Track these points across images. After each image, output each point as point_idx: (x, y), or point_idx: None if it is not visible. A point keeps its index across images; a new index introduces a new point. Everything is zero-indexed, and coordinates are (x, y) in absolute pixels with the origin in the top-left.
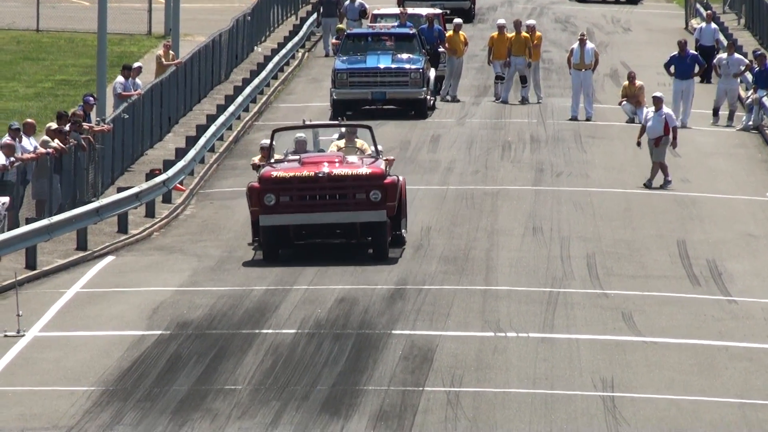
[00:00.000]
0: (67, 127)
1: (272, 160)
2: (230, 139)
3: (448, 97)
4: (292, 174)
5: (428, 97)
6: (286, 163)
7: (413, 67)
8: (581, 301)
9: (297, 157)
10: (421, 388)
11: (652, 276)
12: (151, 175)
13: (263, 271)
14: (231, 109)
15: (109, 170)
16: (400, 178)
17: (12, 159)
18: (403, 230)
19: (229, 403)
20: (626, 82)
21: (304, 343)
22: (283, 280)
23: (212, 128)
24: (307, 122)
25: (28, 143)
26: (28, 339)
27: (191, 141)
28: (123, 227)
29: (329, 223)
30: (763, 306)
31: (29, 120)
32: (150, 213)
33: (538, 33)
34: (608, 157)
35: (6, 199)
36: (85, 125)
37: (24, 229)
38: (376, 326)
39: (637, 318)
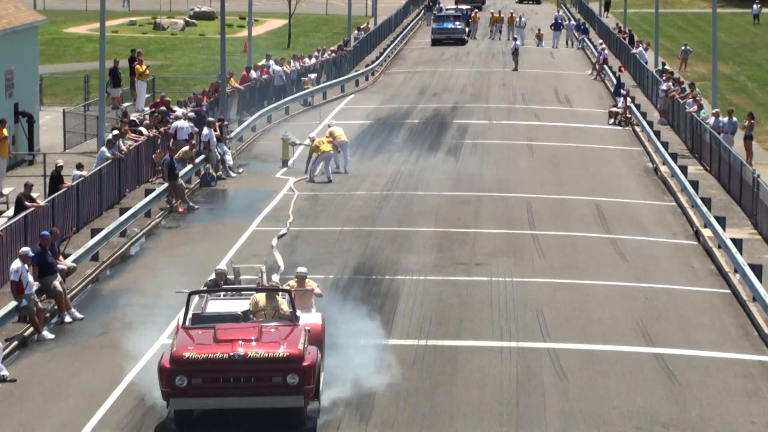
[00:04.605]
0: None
1: (186, 321)
2: (395, 52)
3: (472, 38)
4: (205, 355)
5: (466, 37)
6: (199, 332)
7: (460, 27)
8: (535, 108)
9: (212, 325)
10: (463, 141)
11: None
12: (370, 65)
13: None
14: (395, 42)
15: (352, 64)
16: (320, 320)
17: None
18: (319, 394)
19: (389, 152)
20: (537, 31)
21: (422, 126)
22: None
23: (389, 48)
24: (226, 281)
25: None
26: (322, 124)
27: (383, 52)
28: (356, 84)
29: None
30: (588, 111)
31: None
32: (366, 79)
33: (512, 15)
34: (529, 56)
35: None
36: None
37: (326, 84)
38: (447, 119)
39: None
